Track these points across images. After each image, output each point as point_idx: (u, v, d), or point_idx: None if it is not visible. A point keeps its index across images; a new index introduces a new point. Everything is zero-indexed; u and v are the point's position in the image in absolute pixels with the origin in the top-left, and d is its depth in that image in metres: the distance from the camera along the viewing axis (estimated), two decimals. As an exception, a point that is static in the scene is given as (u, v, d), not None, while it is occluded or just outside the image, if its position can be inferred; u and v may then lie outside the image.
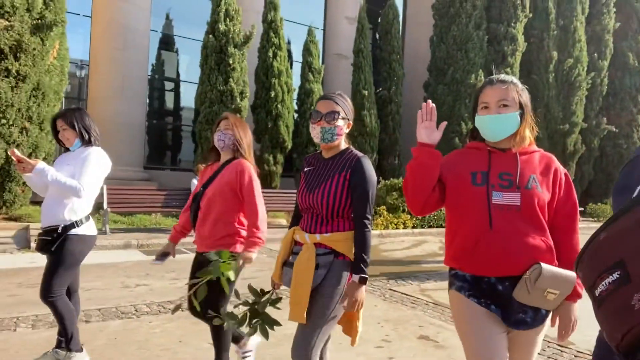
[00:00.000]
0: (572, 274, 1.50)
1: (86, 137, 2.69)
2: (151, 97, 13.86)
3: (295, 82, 12.29)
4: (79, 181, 2.53)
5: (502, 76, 1.67)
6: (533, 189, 1.55)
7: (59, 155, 2.82)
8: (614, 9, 17.47)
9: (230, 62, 10.50)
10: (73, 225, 2.58)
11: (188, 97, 14.67)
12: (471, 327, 1.57)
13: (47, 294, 2.53)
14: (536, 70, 15.58)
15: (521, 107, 1.61)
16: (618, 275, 0.58)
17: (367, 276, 1.86)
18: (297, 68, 13.00)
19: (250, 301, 2.03)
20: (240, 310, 2.04)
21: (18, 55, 7.56)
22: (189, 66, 14.94)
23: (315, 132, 1.97)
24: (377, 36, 15.12)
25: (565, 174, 1.64)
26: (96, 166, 2.61)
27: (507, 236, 1.53)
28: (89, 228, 2.66)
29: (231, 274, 2.23)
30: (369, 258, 1.88)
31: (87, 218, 2.67)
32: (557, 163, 1.65)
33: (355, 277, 1.86)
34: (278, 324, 1.97)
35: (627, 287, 0.57)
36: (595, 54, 17.06)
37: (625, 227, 0.60)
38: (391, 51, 13.78)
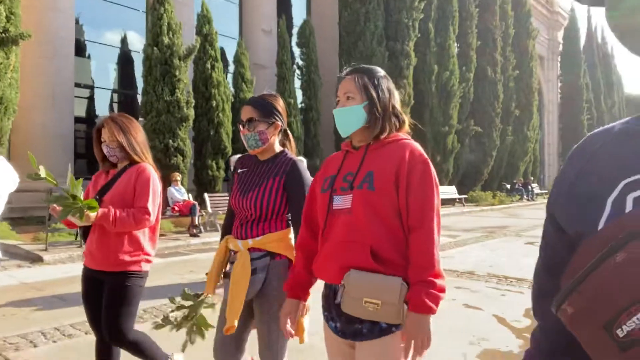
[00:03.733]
0: (394, 279, 1.35)
1: None
2: (78, 106, 13.41)
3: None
4: None
5: (353, 66, 1.59)
6: (364, 188, 1.43)
7: None
8: (476, 30, 21.19)
9: (177, 73, 10.98)
10: None
11: (119, 105, 14.44)
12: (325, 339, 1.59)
13: None
14: (422, 81, 18.35)
15: (369, 98, 1.50)
16: None
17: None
18: (228, 78, 13.74)
19: (185, 305, 2.05)
20: (175, 315, 2.04)
21: (-15, 69, 7.39)
22: (109, 73, 14.67)
23: (243, 139, 1.97)
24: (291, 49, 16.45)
25: (421, 163, 1.44)
26: None
27: (332, 243, 1.47)
28: None
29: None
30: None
31: None
32: (410, 150, 1.46)
33: None
34: (212, 326, 2.00)
35: None
36: (464, 67, 20.55)
37: None
38: (309, 63, 15.24)
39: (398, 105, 1.57)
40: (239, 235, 1.95)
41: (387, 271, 1.38)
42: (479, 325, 3.95)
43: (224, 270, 2.03)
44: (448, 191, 18.65)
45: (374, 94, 1.51)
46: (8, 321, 3.90)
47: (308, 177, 1.94)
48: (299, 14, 18.75)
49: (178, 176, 10.29)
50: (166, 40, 10.96)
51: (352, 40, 16.28)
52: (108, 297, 2.21)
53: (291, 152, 2.07)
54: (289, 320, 1.61)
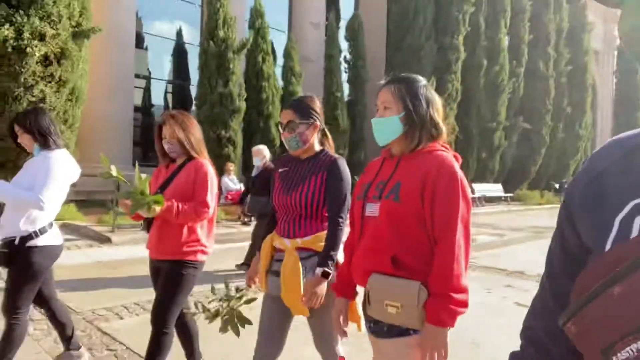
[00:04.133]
0: (412, 283, 1.39)
1: (42, 141, 2.50)
2: (137, 96, 14.11)
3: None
4: (40, 193, 2.34)
5: (392, 76, 1.60)
6: (390, 199, 1.46)
7: (25, 161, 2.60)
8: (529, 23, 20.60)
9: (230, 66, 11.36)
10: (31, 236, 2.40)
11: (170, 95, 15.06)
12: None
13: (10, 311, 2.40)
14: (470, 76, 18.06)
15: (406, 109, 1.51)
16: None
17: (330, 271, 1.87)
18: (277, 71, 14.05)
19: (225, 297, 2.06)
20: (214, 306, 2.05)
21: (61, 61, 7.94)
22: (164, 65, 15.31)
23: (284, 142, 2.04)
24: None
25: (449, 174, 1.43)
26: (57, 174, 2.42)
27: (361, 249, 1.54)
28: (51, 238, 2.49)
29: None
30: (337, 255, 1.91)
31: (50, 226, 2.50)
32: (439, 162, 1.46)
33: (319, 271, 1.88)
34: (250, 322, 2.03)
35: None
36: (514, 62, 20.04)
37: None
38: (357, 57, 15.34)
39: (438, 115, 1.56)
40: (285, 233, 1.99)
41: (408, 277, 1.41)
42: (533, 323, 4.02)
43: (267, 269, 2.06)
44: (494, 189, 18.36)
45: (411, 105, 1.51)
46: (93, 296, 4.30)
47: (348, 175, 2.01)
48: (347, 7, 18.82)
49: (231, 166, 10.68)
50: (221, 34, 11.35)
51: (400, 34, 16.23)
52: (162, 282, 2.33)
53: (330, 150, 2.12)
54: (341, 318, 1.67)
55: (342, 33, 15.80)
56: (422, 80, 1.59)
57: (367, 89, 15.50)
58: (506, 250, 8.00)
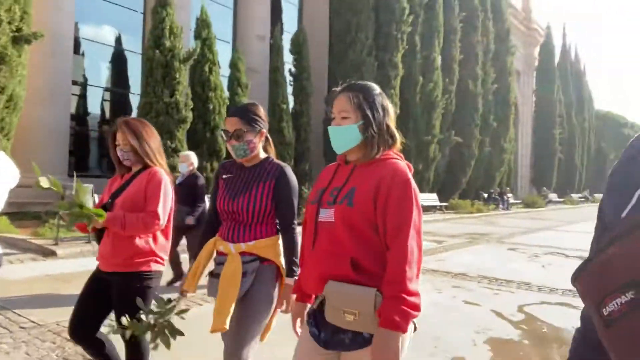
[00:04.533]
0: (368, 289, 1.38)
1: None
2: (74, 103, 13.49)
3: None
4: None
5: (352, 83, 1.59)
6: (343, 204, 1.47)
7: None
8: (459, 44, 22.05)
9: (177, 76, 11.24)
10: None
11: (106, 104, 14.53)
12: (296, 350, 1.59)
13: None
14: (408, 92, 19.00)
15: (365, 117, 1.51)
16: (632, 297, 0.55)
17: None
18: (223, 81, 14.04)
19: (155, 310, 1.99)
20: (145, 319, 1.96)
21: (0, 67, 7.56)
22: (102, 72, 14.77)
23: (230, 150, 2.05)
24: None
25: (402, 182, 1.45)
26: None
27: (319, 254, 1.51)
28: None
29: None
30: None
31: None
32: (392, 169, 1.48)
33: (290, 281, 1.96)
34: (181, 333, 1.96)
35: None
36: (447, 79, 21.33)
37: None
38: (302, 70, 15.67)
39: (392, 124, 1.58)
40: (230, 238, 2.02)
41: (368, 282, 1.40)
42: (480, 319, 4.44)
43: (210, 271, 2.07)
44: (429, 198, 19.33)
45: (369, 114, 1.52)
46: (54, 309, 4.16)
47: (296, 183, 2.07)
48: (291, 21, 19.19)
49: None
50: (168, 43, 11.22)
51: (342, 48, 16.81)
52: (116, 298, 2.23)
53: (273, 156, 2.17)
54: (298, 321, 1.68)
55: (286, 46, 16.10)
56: (378, 89, 1.60)
57: (312, 100, 15.87)
58: (447, 255, 8.56)
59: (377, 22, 17.33)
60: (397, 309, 1.33)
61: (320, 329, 1.51)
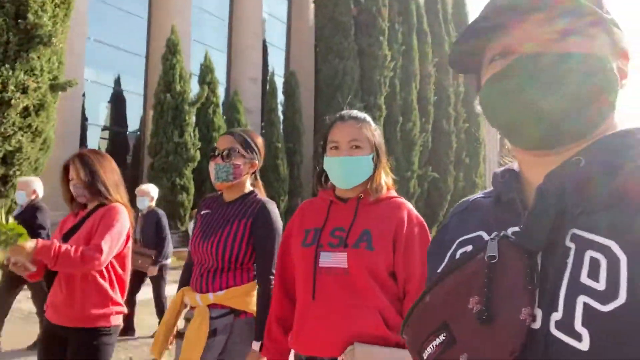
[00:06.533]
0: (404, 352, 1.09)
1: None
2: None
3: (224, 134, 14.15)
4: None
5: (355, 112, 1.48)
6: (361, 248, 1.32)
7: None
8: (434, 87, 23.73)
9: (186, 118, 12.00)
10: None
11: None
12: None
13: None
14: (389, 131, 20.29)
15: (375, 149, 1.42)
16: (444, 337, 0.59)
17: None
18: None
19: None
20: None
21: (38, 112, 8.14)
22: (102, 111, 15.30)
23: (210, 169, 1.78)
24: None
25: (419, 226, 1.37)
26: None
27: (330, 307, 1.31)
28: None
29: None
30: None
31: None
32: (407, 212, 1.39)
33: (256, 345, 1.61)
34: None
35: (454, 348, 0.58)
36: (423, 119, 22.83)
37: (448, 289, 0.62)
38: (294, 111, 16.70)
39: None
40: (198, 288, 1.74)
41: (399, 341, 1.23)
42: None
43: (176, 329, 1.81)
44: (411, 231, 20.33)
45: (379, 145, 1.44)
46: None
47: (279, 223, 1.77)
48: (278, 65, 20.32)
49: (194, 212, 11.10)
50: (178, 87, 12.02)
51: (330, 91, 18.00)
52: (72, 357, 1.98)
53: (260, 194, 1.89)
54: None
55: (279, 89, 17.12)
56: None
57: (304, 140, 16.83)
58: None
59: (362, 67, 18.70)
60: None
61: None
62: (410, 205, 1.48)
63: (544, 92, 0.59)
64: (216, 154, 1.79)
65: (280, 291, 1.52)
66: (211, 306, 1.69)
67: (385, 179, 1.47)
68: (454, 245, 0.72)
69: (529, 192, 0.65)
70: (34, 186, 4.26)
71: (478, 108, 0.74)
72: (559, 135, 0.61)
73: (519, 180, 0.69)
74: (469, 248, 0.69)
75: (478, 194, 0.80)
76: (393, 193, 1.49)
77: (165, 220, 4.99)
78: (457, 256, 0.70)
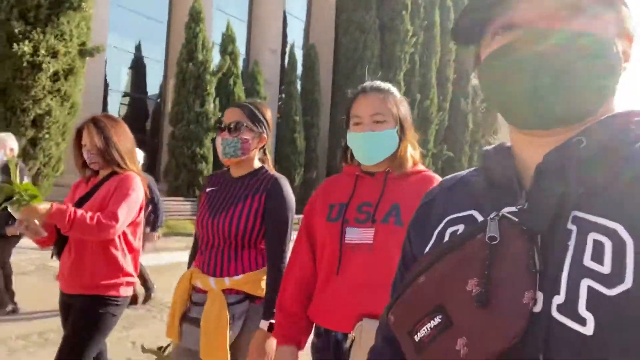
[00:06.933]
0: None
1: None
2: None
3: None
4: None
5: (378, 83, 1.43)
6: (390, 223, 1.27)
7: None
8: (454, 64, 23.41)
9: (208, 87, 12.06)
10: None
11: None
12: None
13: None
14: (406, 107, 20.19)
15: (400, 122, 1.36)
16: (440, 320, 0.57)
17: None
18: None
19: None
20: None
21: (68, 77, 8.27)
22: (123, 77, 15.38)
23: (217, 144, 1.70)
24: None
25: None
26: None
27: (352, 283, 1.28)
28: None
29: None
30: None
31: None
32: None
33: (265, 324, 1.55)
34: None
35: (450, 331, 0.55)
36: (441, 97, 22.63)
37: (445, 271, 0.60)
38: (314, 84, 16.64)
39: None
40: (210, 270, 1.65)
41: None
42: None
43: (183, 313, 1.69)
44: (423, 209, 20.43)
45: (403, 118, 1.39)
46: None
47: (292, 199, 1.70)
48: (298, 36, 20.13)
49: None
50: (200, 57, 12.03)
51: (350, 65, 17.85)
52: (73, 321, 1.92)
53: (270, 169, 1.80)
54: None
55: (299, 61, 17.04)
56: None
57: (321, 113, 16.84)
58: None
59: (382, 41, 18.46)
60: None
61: None
62: (437, 178, 1.38)
63: (545, 71, 0.57)
64: (223, 126, 1.70)
65: (309, 262, 1.45)
66: (226, 291, 1.61)
67: (413, 152, 1.41)
68: (442, 224, 0.70)
69: (524, 173, 0.64)
70: (9, 144, 3.88)
71: (475, 82, 0.70)
72: (557, 116, 0.59)
73: (513, 159, 0.67)
74: (461, 227, 0.66)
75: (465, 171, 0.77)
76: (421, 167, 1.43)
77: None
78: (447, 235, 0.67)
